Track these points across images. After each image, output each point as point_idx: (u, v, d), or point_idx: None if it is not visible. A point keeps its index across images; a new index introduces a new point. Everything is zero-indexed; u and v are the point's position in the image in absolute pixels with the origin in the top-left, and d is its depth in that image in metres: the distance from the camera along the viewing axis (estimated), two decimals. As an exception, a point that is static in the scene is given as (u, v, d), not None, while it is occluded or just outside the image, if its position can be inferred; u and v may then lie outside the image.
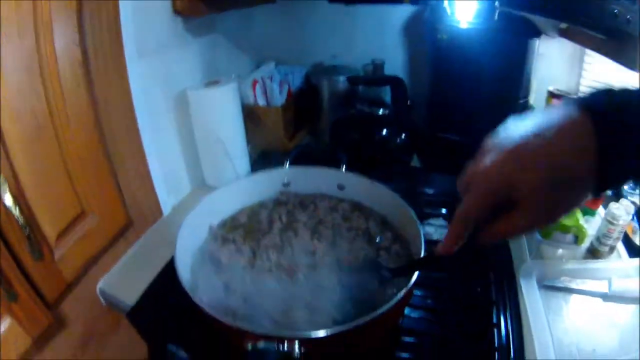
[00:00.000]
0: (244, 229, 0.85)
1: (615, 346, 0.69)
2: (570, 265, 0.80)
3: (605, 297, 0.77)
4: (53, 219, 0.70)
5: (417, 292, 0.78)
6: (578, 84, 1.07)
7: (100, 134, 0.79)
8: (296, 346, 0.55)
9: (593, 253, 0.86)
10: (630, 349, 0.68)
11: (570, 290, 0.78)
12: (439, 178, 1.15)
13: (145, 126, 0.92)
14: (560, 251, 0.87)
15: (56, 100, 0.67)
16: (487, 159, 0.42)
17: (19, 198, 0.62)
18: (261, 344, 0.55)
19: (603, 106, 0.38)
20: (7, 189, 0.59)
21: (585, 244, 0.87)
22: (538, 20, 0.93)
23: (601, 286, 0.77)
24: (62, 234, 0.73)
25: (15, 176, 0.62)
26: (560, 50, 1.08)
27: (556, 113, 0.39)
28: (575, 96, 0.38)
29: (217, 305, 0.67)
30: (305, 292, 0.69)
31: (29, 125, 0.63)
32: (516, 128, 0.42)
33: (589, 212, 0.92)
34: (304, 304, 0.66)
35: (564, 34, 0.94)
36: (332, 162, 0.94)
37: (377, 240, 0.79)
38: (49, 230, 0.70)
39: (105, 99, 0.79)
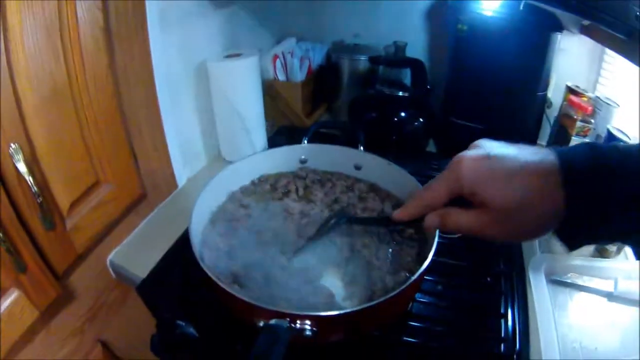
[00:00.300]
0: (261, 195, 0.84)
1: (616, 347, 0.69)
2: (578, 262, 0.79)
3: (610, 296, 0.76)
4: (67, 188, 0.68)
5: (427, 277, 0.76)
6: (596, 81, 1.05)
7: (119, 101, 0.76)
8: (307, 324, 0.54)
9: (601, 252, 0.84)
10: (632, 350, 0.67)
11: (576, 287, 0.78)
12: None
13: (164, 96, 0.88)
14: None
15: (75, 64, 0.64)
16: (474, 154, 0.45)
17: (32, 165, 0.60)
18: (273, 322, 0.53)
19: (579, 165, 0.39)
20: (22, 157, 0.56)
21: None
22: (561, 14, 0.93)
23: (607, 285, 0.77)
24: (75, 203, 0.71)
25: (30, 143, 0.59)
26: (581, 47, 1.05)
27: (537, 153, 0.42)
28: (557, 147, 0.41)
29: (227, 276, 0.65)
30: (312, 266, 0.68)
31: (47, 89, 0.60)
32: (504, 146, 0.44)
33: None
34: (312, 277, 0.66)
35: (585, 31, 0.93)
36: (349, 141, 0.92)
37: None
38: (62, 199, 0.67)
39: (125, 66, 0.76)
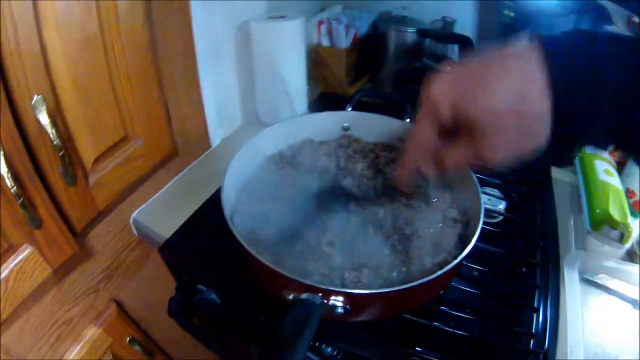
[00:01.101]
0: (300, 160, 0.80)
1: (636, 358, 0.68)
2: (611, 264, 0.78)
3: (634, 304, 0.75)
4: (93, 142, 0.66)
5: (465, 262, 0.73)
6: None
7: (154, 55, 0.72)
8: (340, 302, 0.52)
9: (631, 256, 0.83)
10: None
11: (605, 289, 0.77)
12: None
13: (203, 53, 0.84)
14: (604, 247, 0.85)
15: (108, 14, 0.60)
16: (439, 77, 0.42)
17: (56, 117, 0.57)
18: (305, 296, 0.52)
19: (563, 47, 0.37)
20: (45, 108, 0.53)
21: (628, 245, 0.85)
22: (611, 7, 0.90)
23: (634, 291, 0.76)
24: (100, 158, 0.68)
25: (55, 94, 0.56)
26: None
27: (516, 47, 0.38)
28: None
29: (258, 242, 0.62)
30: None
31: (76, 39, 0.57)
32: (474, 59, 0.41)
33: (634, 213, 0.88)
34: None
35: (632, 27, 0.89)
36: (392, 112, 0.87)
37: (433, 200, 0.73)
38: (87, 153, 0.65)
39: (163, 20, 0.71)
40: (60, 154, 0.57)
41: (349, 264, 0.60)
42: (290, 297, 0.53)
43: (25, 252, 0.56)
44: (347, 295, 0.52)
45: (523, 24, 0.98)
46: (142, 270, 0.86)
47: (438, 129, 0.43)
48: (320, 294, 0.51)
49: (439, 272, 0.53)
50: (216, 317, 0.76)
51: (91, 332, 0.77)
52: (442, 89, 0.41)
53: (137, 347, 0.85)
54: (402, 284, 0.57)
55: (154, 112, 0.77)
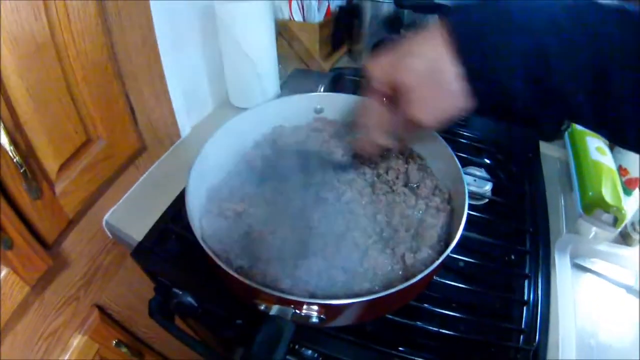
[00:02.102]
0: (272, 151, 0.79)
1: (629, 346, 0.68)
2: (603, 247, 0.78)
3: (629, 289, 0.75)
4: (55, 151, 0.64)
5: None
6: None
7: (112, 50, 0.70)
8: (315, 311, 0.51)
9: (624, 237, 0.83)
10: None
11: (597, 274, 0.77)
12: (484, 122, 1.04)
13: (164, 40, 0.81)
14: (595, 229, 0.84)
15: (59, 16, 0.58)
16: (378, 57, 0.50)
17: (15, 134, 0.56)
18: (275, 311, 0.51)
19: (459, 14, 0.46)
20: (2, 127, 0.52)
21: (622, 227, 0.84)
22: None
23: (627, 276, 0.76)
24: (64, 166, 0.67)
25: (11, 110, 0.55)
26: None
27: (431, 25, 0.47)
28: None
29: (229, 246, 0.62)
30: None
31: (27, 50, 0.55)
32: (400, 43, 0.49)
33: (627, 191, 0.88)
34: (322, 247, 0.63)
35: None
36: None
37: (414, 186, 0.74)
38: (50, 163, 0.64)
39: (119, 10, 0.69)
40: (22, 170, 0.57)
41: (326, 265, 0.60)
42: (262, 307, 0.52)
43: (0, 273, 0.56)
44: (321, 306, 0.51)
45: None
46: (120, 271, 0.87)
47: (382, 99, 0.52)
48: (291, 306, 0.51)
49: (421, 275, 0.53)
50: (195, 320, 0.76)
51: (77, 340, 0.78)
52: (377, 65, 0.50)
53: (124, 349, 0.87)
54: (383, 284, 0.59)
55: (115, 110, 0.75)
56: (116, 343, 0.86)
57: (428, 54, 0.45)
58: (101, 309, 0.83)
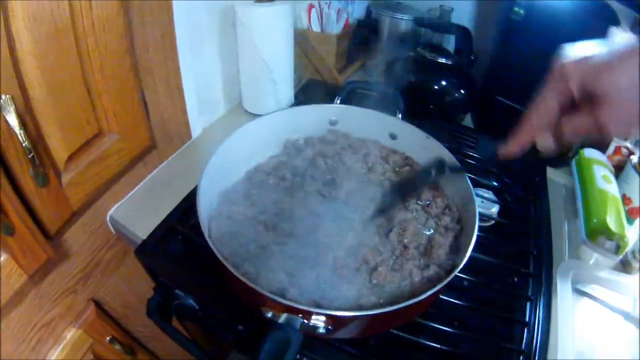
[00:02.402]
0: (283, 168, 0.79)
1: None
2: (603, 274, 0.78)
3: (626, 316, 0.75)
4: (65, 139, 0.64)
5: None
6: None
7: (130, 43, 0.70)
8: (322, 322, 0.52)
9: (625, 266, 0.83)
10: None
11: (596, 300, 0.77)
12: (493, 144, 1.06)
13: (183, 37, 0.81)
14: (596, 255, 0.84)
15: (81, 2, 0.58)
16: (574, 56, 0.47)
17: (26, 117, 0.56)
18: (283, 319, 0.51)
19: None
20: (13, 109, 0.51)
21: (623, 255, 0.85)
22: (617, 7, 0.91)
23: (626, 303, 0.76)
24: (73, 156, 0.67)
25: (24, 92, 0.55)
26: None
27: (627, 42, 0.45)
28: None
29: (237, 251, 0.62)
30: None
31: (46, 31, 0.54)
32: (592, 44, 0.48)
33: (629, 220, 0.88)
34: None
35: (636, 30, 0.87)
36: (383, 103, 0.87)
37: (426, 203, 0.75)
38: (60, 151, 0.64)
39: (141, 4, 0.69)
40: (30, 155, 0.56)
41: (335, 278, 0.60)
42: (269, 315, 0.52)
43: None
44: (329, 317, 0.51)
45: (531, 23, 0.98)
46: (120, 268, 0.86)
47: (561, 103, 0.49)
48: (300, 315, 0.51)
49: (428, 293, 0.53)
50: (195, 323, 0.75)
51: (71, 333, 0.77)
52: (577, 66, 0.47)
53: (117, 347, 0.85)
54: (390, 299, 0.59)
55: (130, 105, 0.75)
56: (110, 339, 0.84)
57: (632, 72, 0.44)
58: (98, 304, 0.81)
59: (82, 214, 0.73)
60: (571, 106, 0.49)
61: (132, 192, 0.83)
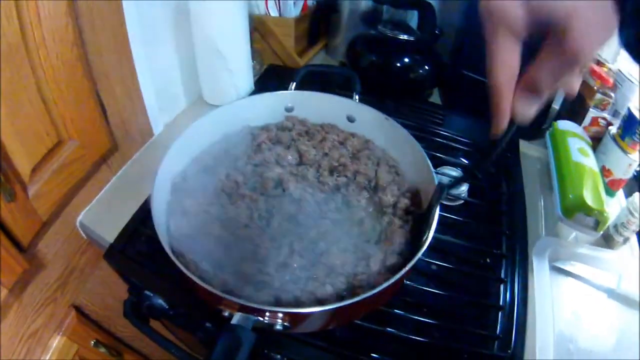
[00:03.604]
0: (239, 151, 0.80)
1: (611, 352, 0.69)
2: (584, 250, 0.77)
3: (610, 293, 0.75)
4: (27, 152, 0.65)
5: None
6: (617, 53, 1.03)
7: (81, 49, 0.71)
8: (279, 319, 0.53)
9: (607, 240, 0.83)
10: (626, 356, 0.68)
11: (578, 278, 0.77)
12: (461, 120, 1.08)
13: (136, 37, 0.82)
14: (575, 233, 0.84)
15: (30, 15, 0.59)
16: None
17: (-14, 137, 0.57)
18: (236, 320, 0.52)
19: None
20: (-29, 132, 0.53)
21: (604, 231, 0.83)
22: None
23: (609, 279, 0.76)
24: (37, 167, 0.68)
25: (-19, 113, 0.56)
26: None
27: None
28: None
29: (195, 249, 0.62)
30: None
31: (-2, 52, 0.55)
32: None
33: (609, 192, 0.89)
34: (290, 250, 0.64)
35: None
36: (344, 86, 0.88)
37: (384, 188, 0.74)
38: (23, 165, 0.65)
39: (90, 9, 0.70)
40: (-5, 175, 0.58)
41: (292, 271, 0.61)
42: (226, 314, 0.53)
43: (-23, 278, 0.57)
44: (284, 314, 0.52)
45: None
46: (96, 271, 0.88)
47: (516, 47, 0.41)
48: (254, 313, 0.51)
49: (386, 284, 0.53)
50: (168, 321, 0.77)
51: (57, 341, 0.80)
52: (512, 4, 0.39)
53: (102, 349, 0.88)
54: (349, 290, 0.59)
55: (87, 110, 0.76)
56: (94, 343, 0.87)
57: None
58: (78, 310, 0.84)
59: (52, 223, 0.75)
60: (529, 51, 0.41)
61: (98, 196, 0.85)
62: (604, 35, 0.39)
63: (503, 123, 0.45)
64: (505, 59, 0.42)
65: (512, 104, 0.43)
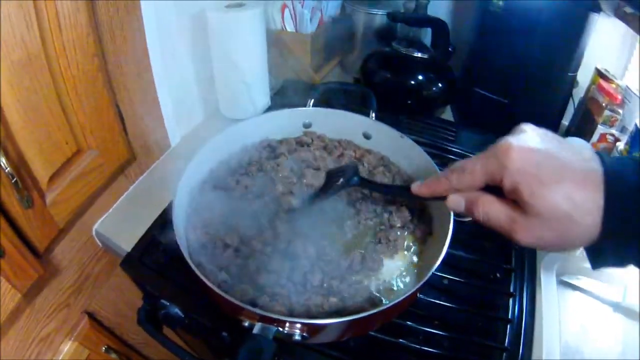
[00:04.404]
0: (259, 164, 0.82)
1: None
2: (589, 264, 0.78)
3: (616, 307, 0.76)
4: (45, 161, 0.67)
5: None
6: (625, 68, 1.04)
7: (102, 60, 0.73)
8: (297, 330, 0.54)
9: None
10: None
11: (584, 291, 0.78)
12: (473, 136, 1.09)
13: (155, 49, 0.85)
14: (582, 248, 0.83)
15: (51, 25, 0.61)
16: (524, 144, 0.43)
17: (6, 143, 0.59)
18: (257, 329, 0.53)
19: (625, 182, 0.39)
20: (-7, 137, 0.55)
21: None
22: None
23: (615, 293, 0.77)
24: (55, 176, 0.70)
25: (2, 117, 0.58)
26: (613, 31, 1.03)
27: (584, 156, 0.42)
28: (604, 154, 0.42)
29: (213, 261, 0.64)
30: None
31: (18, 59, 0.57)
32: (550, 138, 0.44)
33: None
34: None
35: (620, 15, 0.91)
36: (359, 101, 0.91)
37: (401, 206, 0.75)
38: (41, 173, 0.67)
39: (110, 19, 0.72)
40: (13, 180, 0.59)
41: (311, 283, 0.63)
42: (246, 324, 0.54)
43: (-8, 282, 0.59)
44: (303, 324, 0.53)
45: (510, 14, 1.00)
46: (110, 279, 0.90)
47: (490, 183, 0.46)
48: (275, 324, 0.53)
49: (401, 298, 0.55)
50: (184, 330, 0.78)
51: (68, 346, 0.81)
52: (519, 159, 0.43)
53: (113, 355, 0.89)
54: (366, 303, 0.61)
55: (106, 120, 0.78)
56: (106, 349, 0.88)
57: (576, 197, 0.40)
58: (91, 316, 0.85)
59: (69, 230, 0.76)
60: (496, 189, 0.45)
61: (115, 205, 0.87)
62: (548, 244, 0.44)
63: (424, 192, 0.53)
64: (469, 173, 0.47)
65: (449, 195, 0.50)
